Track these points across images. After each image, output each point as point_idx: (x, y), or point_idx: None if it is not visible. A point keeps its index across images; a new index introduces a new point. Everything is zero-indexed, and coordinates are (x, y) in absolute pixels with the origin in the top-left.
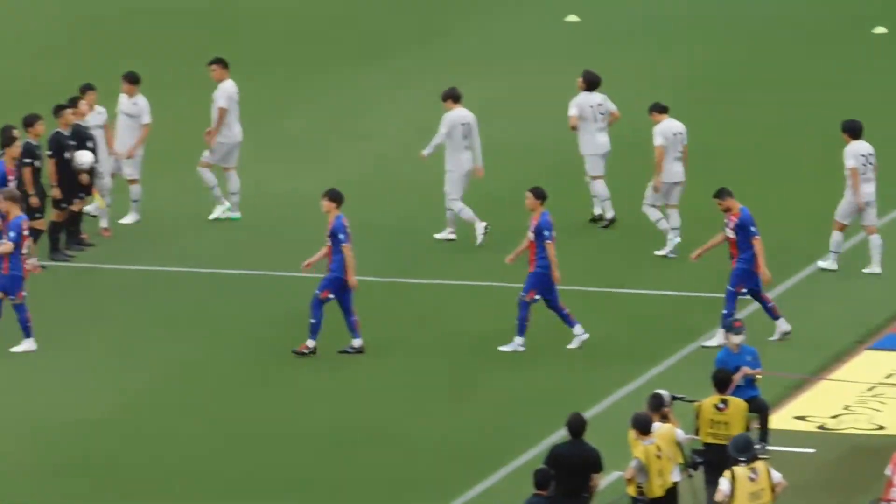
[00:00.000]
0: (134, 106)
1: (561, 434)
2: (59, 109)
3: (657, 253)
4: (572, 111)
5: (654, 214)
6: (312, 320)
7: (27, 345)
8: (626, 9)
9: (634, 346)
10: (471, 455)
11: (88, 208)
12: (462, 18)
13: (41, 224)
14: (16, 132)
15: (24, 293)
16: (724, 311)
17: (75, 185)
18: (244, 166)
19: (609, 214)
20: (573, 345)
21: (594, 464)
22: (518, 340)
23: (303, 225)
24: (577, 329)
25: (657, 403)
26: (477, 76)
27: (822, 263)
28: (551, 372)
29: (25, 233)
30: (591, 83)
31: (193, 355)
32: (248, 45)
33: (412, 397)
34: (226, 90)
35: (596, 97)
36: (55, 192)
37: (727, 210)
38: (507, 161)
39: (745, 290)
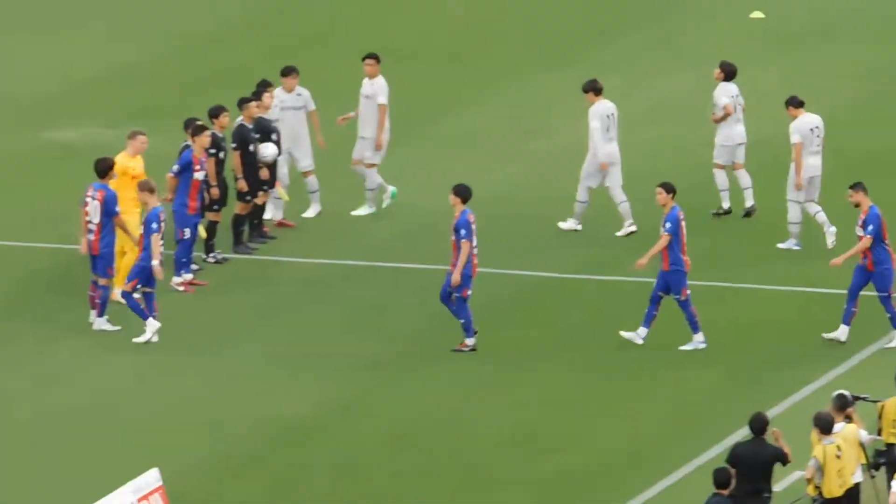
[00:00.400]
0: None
1: (743, 432)
2: (242, 102)
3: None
4: (724, 100)
5: (810, 209)
6: (462, 320)
7: (149, 330)
8: (810, 4)
9: (812, 346)
10: (651, 454)
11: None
12: (642, 17)
13: (218, 216)
14: (201, 123)
15: (139, 284)
16: (889, 314)
17: (259, 177)
18: (424, 161)
19: (726, 205)
20: (687, 346)
21: (775, 462)
22: (698, 337)
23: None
24: (698, 336)
25: (842, 404)
26: (658, 74)
27: None
28: (732, 370)
29: (163, 224)
30: (730, 73)
31: (373, 351)
32: (426, 39)
33: (591, 397)
34: (382, 86)
35: (733, 88)
36: (240, 185)
37: (856, 205)
38: (689, 159)
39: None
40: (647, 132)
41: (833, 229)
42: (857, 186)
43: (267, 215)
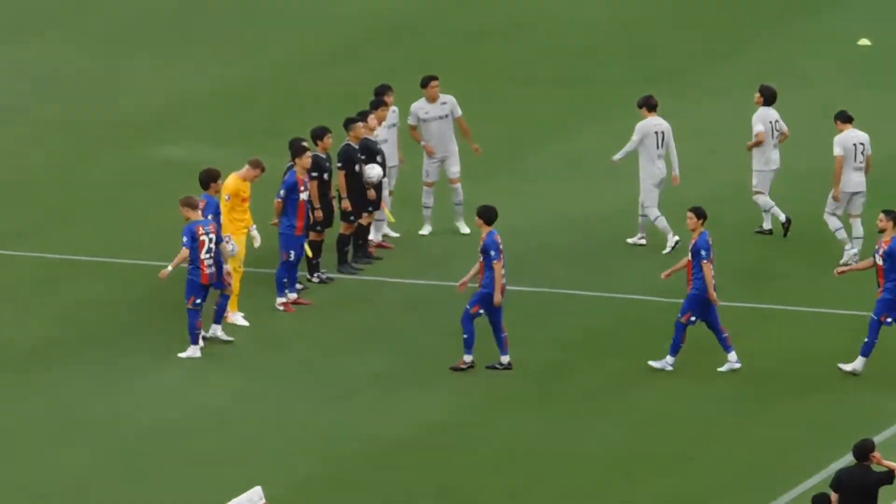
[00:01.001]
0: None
1: (847, 459)
2: (349, 122)
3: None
4: (759, 128)
5: (833, 223)
6: (465, 335)
7: (191, 351)
8: None
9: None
10: (757, 478)
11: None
12: (750, 40)
13: (321, 236)
14: (305, 143)
15: (198, 300)
16: (866, 340)
17: (365, 198)
18: (534, 183)
19: (767, 226)
20: (723, 368)
21: (880, 486)
22: (669, 359)
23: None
24: (732, 356)
25: None
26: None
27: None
28: (841, 396)
29: (202, 238)
30: (770, 98)
31: (475, 373)
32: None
33: (692, 422)
34: (453, 101)
35: (773, 113)
36: (345, 205)
37: (881, 231)
38: (791, 183)
39: (889, 321)
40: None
41: (854, 251)
42: (889, 212)
43: (378, 238)
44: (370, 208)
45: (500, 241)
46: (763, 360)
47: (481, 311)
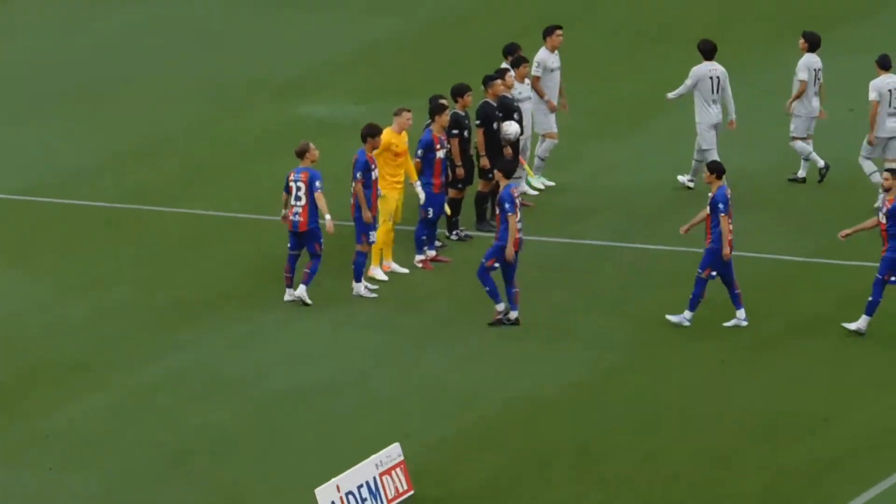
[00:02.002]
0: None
1: None
2: (488, 80)
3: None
4: (801, 75)
5: (868, 167)
6: (487, 287)
7: (287, 295)
8: None
9: None
10: (892, 441)
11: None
12: None
13: (461, 194)
14: (443, 101)
15: (288, 244)
16: (870, 299)
17: (503, 155)
18: (671, 143)
19: (801, 174)
20: (729, 323)
21: None
22: (686, 314)
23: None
24: (741, 313)
25: None
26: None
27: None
28: None
29: (290, 184)
30: (814, 44)
31: (616, 332)
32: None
33: (831, 385)
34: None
35: (817, 61)
36: (483, 162)
37: (887, 190)
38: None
39: (893, 279)
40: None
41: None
42: (893, 171)
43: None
44: (508, 165)
45: (517, 195)
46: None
47: (496, 265)
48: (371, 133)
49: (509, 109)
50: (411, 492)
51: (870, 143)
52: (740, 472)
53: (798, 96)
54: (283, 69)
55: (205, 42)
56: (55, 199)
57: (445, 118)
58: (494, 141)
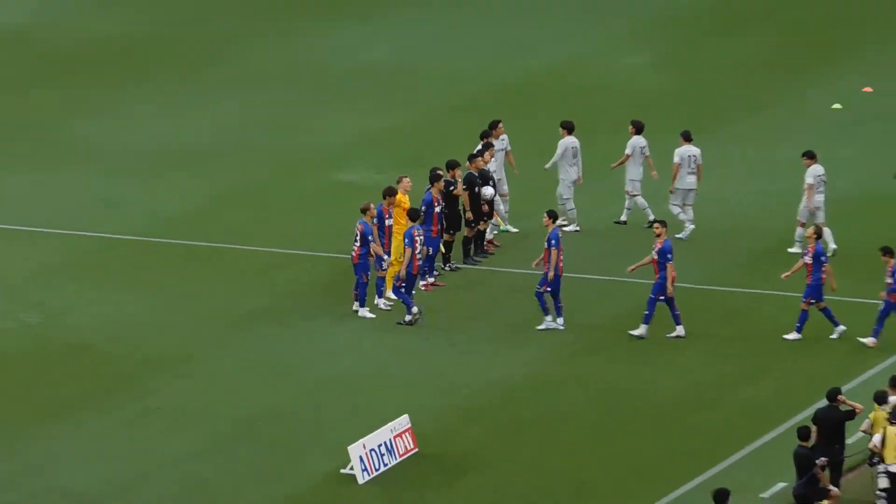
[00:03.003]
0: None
1: (822, 402)
2: (471, 157)
3: None
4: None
5: (673, 209)
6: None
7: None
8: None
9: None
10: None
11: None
12: None
13: (452, 237)
14: (440, 172)
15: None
16: (646, 313)
17: (481, 210)
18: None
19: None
20: (540, 327)
21: (846, 421)
22: (549, 319)
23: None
24: (560, 320)
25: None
26: None
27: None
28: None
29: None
30: (639, 129)
31: (571, 338)
32: None
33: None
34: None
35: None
36: (468, 215)
37: (658, 235)
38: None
39: (662, 298)
40: None
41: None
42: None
43: (490, 236)
44: (485, 217)
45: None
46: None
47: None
48: (389, 193)
49: (486, 178)
50: (416, 449)
51: (671, 192)
52: (663, 434)
53: (622, 162)
54: (326, 147)
55: (268, 124)
56: (162, 239)
57: (441, 184)
58: (476, 200)
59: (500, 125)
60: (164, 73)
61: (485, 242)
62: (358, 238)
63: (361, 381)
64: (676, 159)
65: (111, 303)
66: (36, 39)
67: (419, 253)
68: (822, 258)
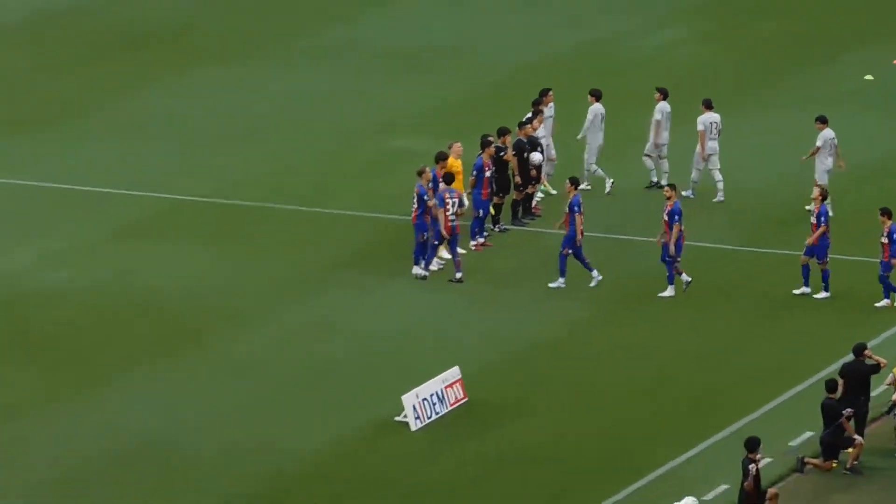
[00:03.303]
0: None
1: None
2: (521, 124)
3: None
4: (657, 116)
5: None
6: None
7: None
8: None
9: None
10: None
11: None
12: None
13: (501, 200)
14: (490, 138)
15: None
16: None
17: (529, 175)
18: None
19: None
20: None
21: (871, 375)
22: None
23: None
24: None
25: None
26: None
27: None
28: (840, 315)
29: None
30: (665, 95)
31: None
32: None
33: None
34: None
35: (666, 106)
36: (517, 179)
37: (668, 198)
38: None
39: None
40: None
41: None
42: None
43: (534, 203)
44: (533, 181)
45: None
46: None
47: (570, 251)
48: (441, 157)
49: (535, 144)
50: (466, 399)
51: (704, 159)
52: (669, 393)
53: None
54: (386, 118)
55: (330, 97)
56: (232, 200)
57: (491, 150)
58: (524, 165)
59: (550, 93)
60: (232, 50)
61: (532, 206)
62: (415, 200)
63: (414, 336)
64: (700, 126)
65: (182, 262)
66: (97, 18)
67: (452, 214)
68: (822, 218)
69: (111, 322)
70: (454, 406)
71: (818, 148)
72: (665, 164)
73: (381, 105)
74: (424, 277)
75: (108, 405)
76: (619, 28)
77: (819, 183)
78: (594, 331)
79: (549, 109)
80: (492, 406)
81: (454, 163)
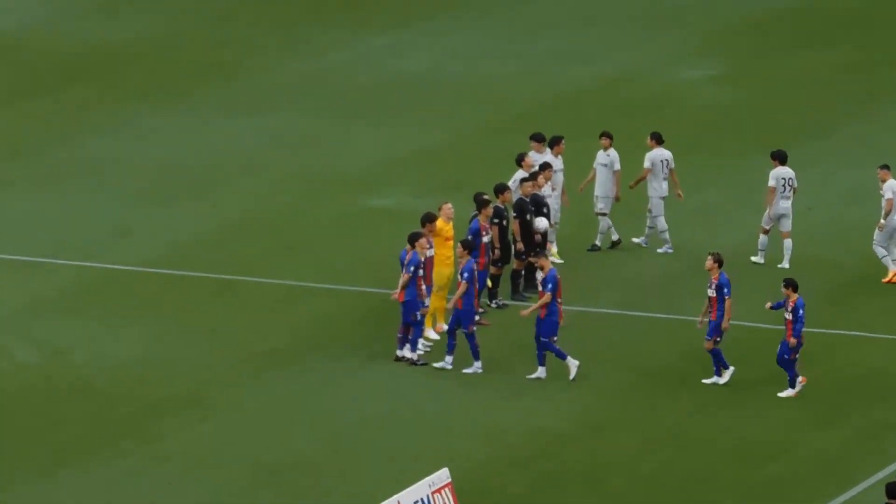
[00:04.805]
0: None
1: None
2: (522, 181)
3: None
4: (888, 195)
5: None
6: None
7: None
8: None
9: None
10: (839, 466)
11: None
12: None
13: (500, 271)
14: (486, 197)
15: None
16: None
17: (533, 241)
18: None
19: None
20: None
21: None
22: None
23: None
24: (477, 364)
25: None
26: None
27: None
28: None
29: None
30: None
31: (619, 378)
32: None
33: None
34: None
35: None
36: (518, 246)
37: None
38: None
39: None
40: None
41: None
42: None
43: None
44: (537, 249)
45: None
46: None
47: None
48: (428, 220)
49: (539, 205)
50: None
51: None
52: (720, 489)
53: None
54: (356, 169)
55: (292, 147)
56: (175, 270)
57: (489, 210)
58: (527, 229)
59: (562, 143)
60: (174, 85)
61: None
62: (408, 269)
63: (395, 427)
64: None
65: (117, 340)
66: (32, 47)
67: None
68: (725, 291)
69: (31, 412)
70: None
71: (772, 189)
72: (604, 221)
73: (350, 155)
74: (423, 363)
75: None
76: (628, 63)
77: (766, 228)
78: (606, 420)
79: (558, 161)
80: None
81: (444, 226)
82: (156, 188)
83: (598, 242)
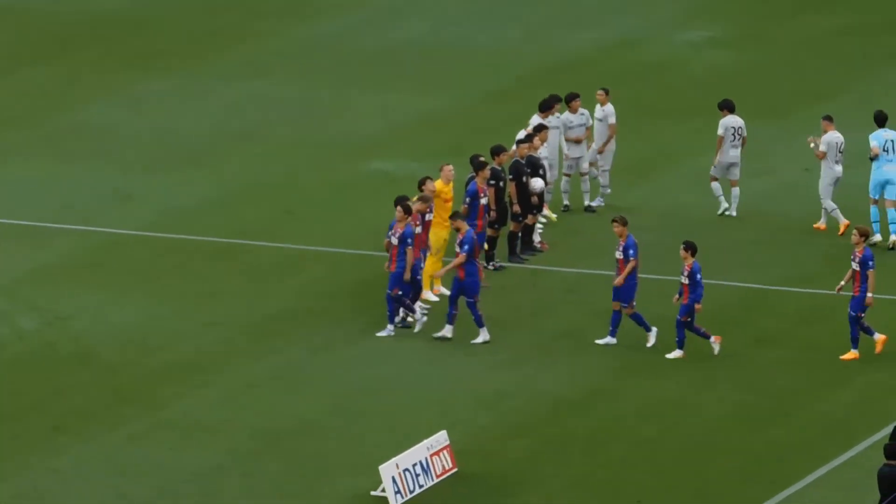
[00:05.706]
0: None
1: None
2: (518, 143)
3: None
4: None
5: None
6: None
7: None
8: None
9: None
10: (840, 429)
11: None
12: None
13: (497, 233)
14: (483, 159)
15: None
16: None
17: (529, 203)
18: None
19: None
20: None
21: None
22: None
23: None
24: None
25: None
26: None
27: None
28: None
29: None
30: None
31: (620, 347)
32: None
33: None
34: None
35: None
36: (515, 208)
37: (856, 244)
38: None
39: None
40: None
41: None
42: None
43: (536, 238)
44: (534, 211)
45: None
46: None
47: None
48: (422, 183)
49: (535, 166)
50: (455, 469)
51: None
52: (722, 453)
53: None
54: (358, 133)
55: (292, 113)
56: (175, 234)
57: (486, 172)
58: (524, 191)
59: (578, 99)
60: (175, 52)
61: (536, 241)
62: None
63: (395, 392)
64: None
65: (120, 306)
66: (31, 14)
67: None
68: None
69: (33, 380)
70: (441, 478)
71: (721, 138)
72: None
73: (351, 120)
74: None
75: (33, 476)
76: (632, 27)
77: (716, 176)
78: (607, 386)
79: (579, 117)
80: (485, 477)
81: (443, 188)
82: (156, 154)
83: (593, 203)
